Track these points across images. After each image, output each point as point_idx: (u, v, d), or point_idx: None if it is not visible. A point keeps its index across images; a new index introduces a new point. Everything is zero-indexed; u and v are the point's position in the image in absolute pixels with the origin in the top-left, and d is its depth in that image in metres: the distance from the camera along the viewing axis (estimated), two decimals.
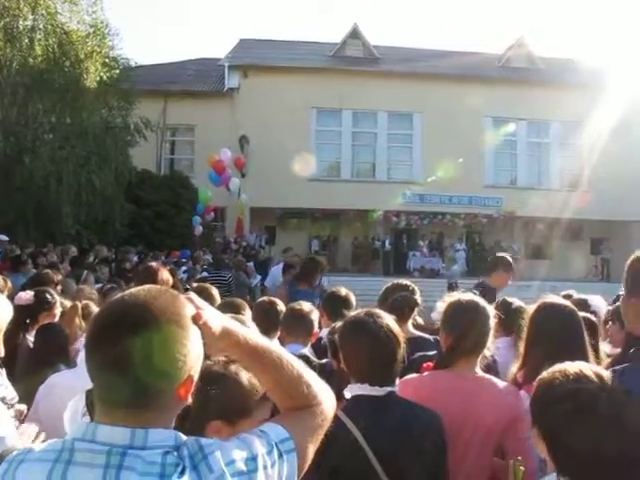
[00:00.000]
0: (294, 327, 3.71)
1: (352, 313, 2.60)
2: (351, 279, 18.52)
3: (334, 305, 4.23)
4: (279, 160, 25.63)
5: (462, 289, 3.19)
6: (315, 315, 3.81)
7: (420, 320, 4.29)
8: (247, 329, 1.54)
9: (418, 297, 4.15)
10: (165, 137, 28.52)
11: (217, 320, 1.47)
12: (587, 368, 1.81)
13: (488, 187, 28.60)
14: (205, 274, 12.66)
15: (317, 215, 28.86)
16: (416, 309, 4.09)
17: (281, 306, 4.03)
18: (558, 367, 1.82)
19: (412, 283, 4.42)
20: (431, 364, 2.91)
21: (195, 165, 27.36)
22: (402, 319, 3.60)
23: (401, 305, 3.95)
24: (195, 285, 5.60)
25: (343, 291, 4.41)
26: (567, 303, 3.00)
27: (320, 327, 3.96)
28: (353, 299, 4.35)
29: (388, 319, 2.50)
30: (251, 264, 15.58)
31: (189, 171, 26.50)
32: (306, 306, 3.81)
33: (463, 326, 2.75)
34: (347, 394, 2.47)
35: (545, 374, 1.85)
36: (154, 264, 4.62)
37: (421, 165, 28.30)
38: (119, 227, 20.41)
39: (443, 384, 2.75)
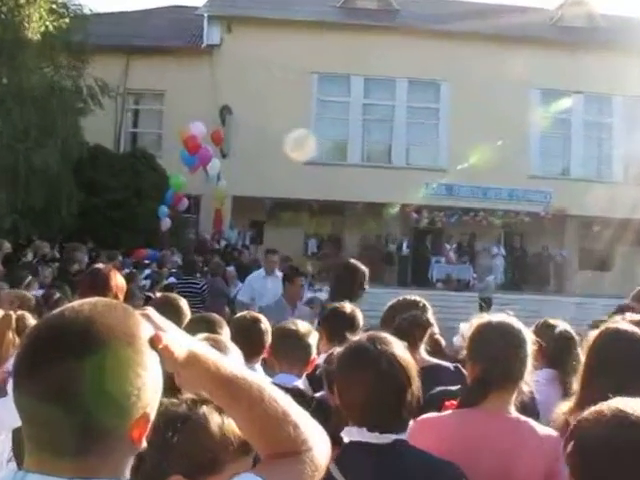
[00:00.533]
0: (286, 353, 3.80)
1: (357, 336, 2.65)
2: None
3: (335, 325, 4.29)
4: (269, 138, 25.75)
5: (497, 307, 3.27)
6: (314, 338, 3.91)
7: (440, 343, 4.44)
8: (222, 355, 1.57)
9: (430, 316, 4.24)
10: (127, 105, 28.74)
11: (182, 343, 1.49)
12: None
13: (533, 178, 28.85)
14: (173, 280, 12.92)
15: (316, 208, 28.88)
16: (429, 330, 4.17)
17: (266, 324, 4.12)
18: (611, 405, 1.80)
19: (422, 298, 4.51)
20: (455, 402, 2.93)
21: (164, 141, 27.57)
22: (412, 345, 3.67)
23: (410, 327, 4.03)
24: (159, 295, 5.72)
25: (348, 308, 4.48)
26: (636, 329, 3.05)
27: (318, 352, 4.06)
28: (360, 318, 4.42)
29: (396, 346, 2.53)
30: (232, 269, 15.69)
31: (156, 149, 26.72)
32: (303, 326, 3.89)
33: (494, 354, 2.81)
34: (345, 438, 2.51)
35: (589, 414, 1.83)
36: (103, 267, 4.67)
37: (449, 148, 28.51)
38: (65, 218, 20.47)
39: (471, 429, 2.79)
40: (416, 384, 2.52)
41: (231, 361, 1.58)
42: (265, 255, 10.49)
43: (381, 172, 28.64)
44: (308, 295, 10.18)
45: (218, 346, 2.29)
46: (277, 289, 8.45)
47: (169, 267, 16.07)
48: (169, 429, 1.70)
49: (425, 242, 29.09)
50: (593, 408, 1.81)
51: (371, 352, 2.49)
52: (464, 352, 3.05)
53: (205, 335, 2.58)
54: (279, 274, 8.96)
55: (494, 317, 2.96)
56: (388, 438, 2.45)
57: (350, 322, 4.32)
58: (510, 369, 2.83)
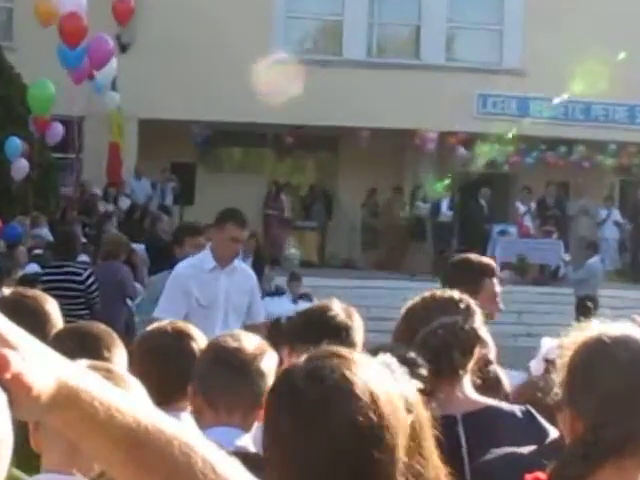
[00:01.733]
0: (223, 390, 3.02)
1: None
2: (361, 284, 18.74)
3: (313, 337, 3.07)
4: (208, 14, 22.19)
5: (609, 310, 3.42)
6: (269, 362, 3.07)
7: (499, 376, 3.89)
8: (117, 390, 1.35)
9: (481, 325, 3.33)
10: None
11: (48, 371, 1.26)
12: None
13: None
14: (34, 268, 12.08)
15: (288, 142, 24.17)
16: (478, 349, 3.30)
17: (199, 342, 3.38)
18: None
19: (466, 296, 3.44)
20: (541, 476, 2.24)
21: (17, 24, 23.30)
22: (448, 373, 3.11)
23: (444, 344, 3.15)
24: (7, 293, 4.51)
25: (334, 309, 3.68)
26: None
27: None
28: (358, 326, 3.60)
29: (368, 370, 1.82)
30: (140, 247, 15.29)
31: (4, 36, 23.27)
32: (249, 342, 3.08)
33: (615, 395, 2.15)
34: None
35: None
36: None
37: (524, 36, 24.47)
38: None
39: None
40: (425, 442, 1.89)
41: (138, 402, 1.37)
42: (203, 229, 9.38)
43: (402, 75, 23.77)
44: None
45: (113, 378, 1.99)
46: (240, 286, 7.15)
47: (29, 246, 15.22)
48: None
49: (479, 200, 23.64)
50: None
51: (310, 387, 1.82)
52: (552, 389, 2.35)
53: (89, 362, 2.13)
54: (240, 264, 7.48)
55: (609, 328, 2.22)
56: None
57: (337, 332, 3.41)
58: None
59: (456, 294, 3.34)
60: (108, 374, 2.02)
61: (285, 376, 1.90)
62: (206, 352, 3.16)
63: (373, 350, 2.27)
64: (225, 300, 6.91)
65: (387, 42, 26.18)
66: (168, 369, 3.21)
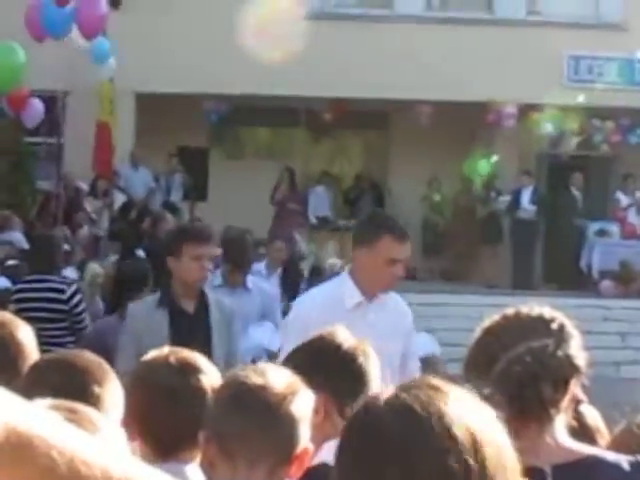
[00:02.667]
0: (244, 440, 2.81)
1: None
2: (422, 300, 15.95)
3: (333, 375, 3.46)
4: None
5: None
6: (303, 404, 2.86)
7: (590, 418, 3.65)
8: (86, 437, 1.36)
9: (577, 351, 3.00)
10: None
11: None
12: None
13: None
14: (3, 282, 11.58)
15: (327, 119, 21.61)
16: (573, 383, 3.00)
17: (209, 376, 3.24)
18: None
19: (559, 315, 3.10)
20: None
21: None
22: (533, 414, 2.84)
23: (530, 377, 2.89)
24: None
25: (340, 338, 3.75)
26: None
27: (324, 434, 3.16)
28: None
29: (465, 408, 1.76)
30: (139, 254, 14.08)
31: None
32: (278, 379, 2.87)
33: None
34: None
35: None
36: None
37: None
38: None
39: None
40: None
41: (110, 451, 1.36)
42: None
43: (471, 34, 20.97)
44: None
45: (79, 421, 1.94)
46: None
47: None
48: None
49: (571, 190, 21.02)
50: None
51: (396, 422, 1.73)
52: None
53: (54, 402, 2.11)
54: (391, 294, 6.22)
55: None
56: None
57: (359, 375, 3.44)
58: None
59: (547, 312, 3.02)
60: (72, 415, 1.94)
61: (368, 406, 1.78)
62: (223, 390, 3.01)
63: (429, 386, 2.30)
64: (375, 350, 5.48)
65: None
66: (173, 412, 3.07)
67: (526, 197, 20.35)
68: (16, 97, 16.11)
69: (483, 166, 20.85)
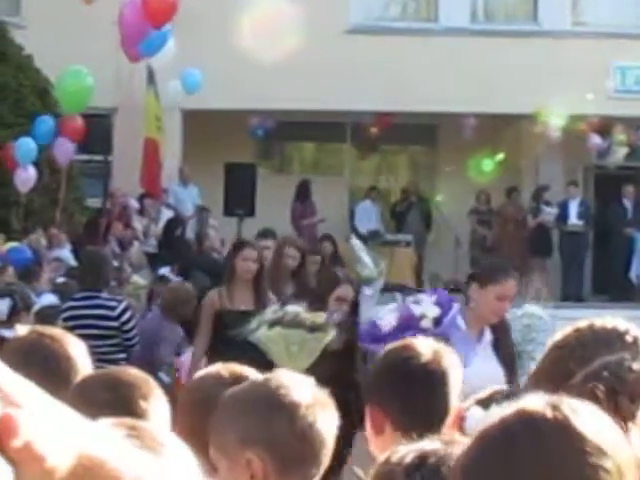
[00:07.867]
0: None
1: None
2: None
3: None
4: None
5: None
6: (328, 422, 2.82)
7: None
8: (154, 459, 1.35)
9: None
10: None
11: (66, 439, 1.18)
12: None
13: None
14: (53, 301, 11.41)
15: (374, 133, 22.38)
16: None
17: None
18: None
19: (634, 327, 2.91)
20: None
21: None
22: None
23: (608, 391, 2.63)
24: (21, 332, 3.96)
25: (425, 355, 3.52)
26: None
27: None
28: (452, 379, 3.47)
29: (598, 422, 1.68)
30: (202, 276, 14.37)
31: (10, 11, 21.55)
32: (303, 393, 2.81)
33: None
34: None
35: None
36: None
37: None
38: None
39: None
40: None
41: (178, 472, 1.38)
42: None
43: (516, 46, 21.77)
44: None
45: (145, 441, 1.67)
46: None
47: (47, 275, 13.90)
48: None
49: (622, 201, 21.68)
50: None
51: (526, 435, 1.65)
52: None
53: (118, 420, 1.83)
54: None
55: None
56: None
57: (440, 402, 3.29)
58: None
59: (621, 323, 2.83)
60: (132, 431, 1.70)
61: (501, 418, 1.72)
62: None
63: (485, 398, 2.59)
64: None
65: (496, 4, 23.52)
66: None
67: (573, 208, 20.76)
68: (71, 119, 16.58)
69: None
